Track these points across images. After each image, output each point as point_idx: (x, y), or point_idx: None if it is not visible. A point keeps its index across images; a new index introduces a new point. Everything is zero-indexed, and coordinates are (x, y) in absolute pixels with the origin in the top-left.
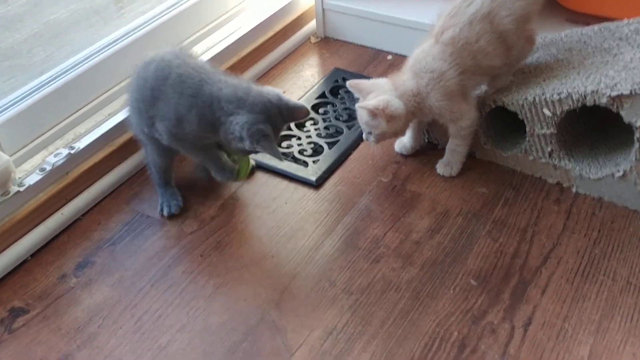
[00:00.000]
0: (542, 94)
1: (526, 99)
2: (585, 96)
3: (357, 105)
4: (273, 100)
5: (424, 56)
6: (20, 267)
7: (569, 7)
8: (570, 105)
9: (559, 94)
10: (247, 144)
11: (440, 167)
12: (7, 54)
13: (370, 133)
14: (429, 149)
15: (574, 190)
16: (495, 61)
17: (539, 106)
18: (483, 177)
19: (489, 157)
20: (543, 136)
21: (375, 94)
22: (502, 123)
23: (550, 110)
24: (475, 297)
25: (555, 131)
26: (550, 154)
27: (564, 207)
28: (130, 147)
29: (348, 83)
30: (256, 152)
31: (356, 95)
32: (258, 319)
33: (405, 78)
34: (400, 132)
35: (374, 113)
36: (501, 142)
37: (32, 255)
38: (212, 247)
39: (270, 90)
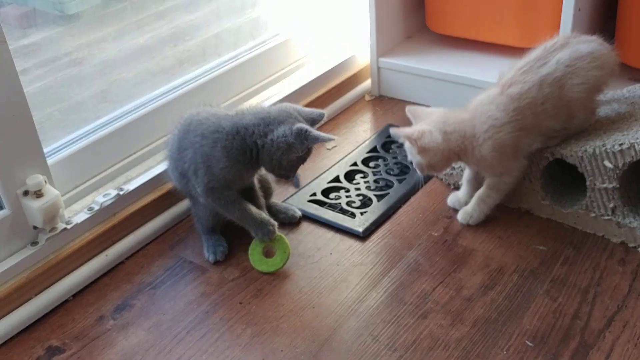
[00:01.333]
0: (603, 145)
1: (585, 150)
2: None
3: (391, 130)
4: (289, 108)
5: (488, 102)
6: (61, 307)
7: (438, 32)
8: (633, 157)
9: (620, 145)
10: (298, 147)
11: (461, 214)
12: (75, 109)
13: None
14: None
15: None
16: (555, 125)
17: (599, 158)
18: (541, 235)
19: (548, 215)
20: (605, 191)
21: (423, 123)
22: (561, 178)
23: (611, 163)
24: (531, 359)
25: (618, 185)
26: (613, 211)
27: (629, 267)
28: (177, 194)
29: (407, 108)
30: (307, 155)
31: (412, 121)
32: None
33: (463, 116)
34: (439, 168)
35: (412, 141)
36: (560, 199)
37: (73, 296)
38: (252, 295)
39: (283, 104)
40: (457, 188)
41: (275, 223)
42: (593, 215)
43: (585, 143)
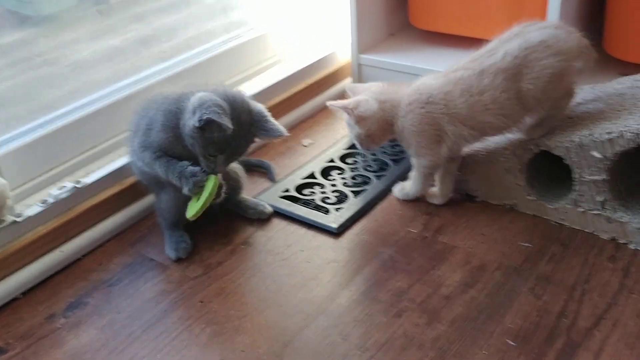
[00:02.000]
0: (590, 134)
1: (572, 140)
2: (639, 134)
3: (327, 102)
4: (243, 99)
5: (428, 80)
6: (8, 305)
7: (421, 28)
8: (622, 146)
9: (608, 133)
10: (197, 116)
11: (396, 188)
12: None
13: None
14: (466, 200)
15: (632, 246)
16: (494, 121)
17: (586, 148)
18: (526, 231)
19: (533, 211)
20: (594, 183)
21: (361, 95)
22: (547, 172)
23: (600, 153)
24: (512, 359)
25: (608, 177)
26: (602, 205)
27: (620, 264)
28: (140, 188)
29: (346, 85)
30: (210, 135)
31: (351, 96)
32: None
33: (401, 88)
34: (377, 139)
35: (348, 111)
36: (547, 194)
37: (23, 293)
38: (214, 294)
39: (234, 90)
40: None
41: (205, 175)
42: (581, 210)
43: (572, 133)
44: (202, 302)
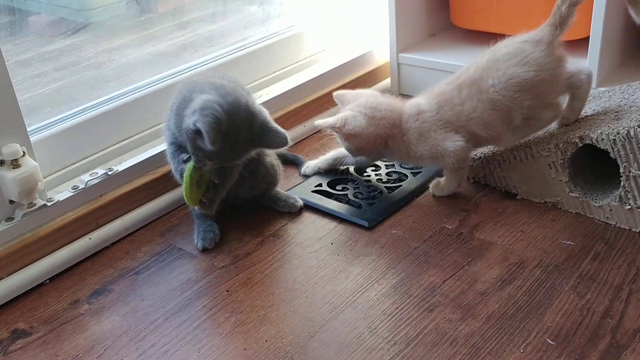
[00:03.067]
0: (639, 126)
1: (618, 132)
2: None
3: (316, 123)
4: (248, 110)
5: (415, 98)
6: (35, 290)
7: (463, 27)
8: None
9: None
10: (193, 119)
11: (433, 184)
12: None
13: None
14: (505, 198)
15: None
16: (481, 131)
17: (634, 140)
18: (569, 229)
19: (577, 209)
20: None
21: (348, 107)
22: (592, 168)
23: None
24: (552, 359)
25: None
26: None
27: None
28: (172, 178)
29: (334, 94)
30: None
31: (340, 106)
32: None
33: (395, 103)
34: (368, 151)
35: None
36: (591, 191)
37: (50, 279)
38: (241, 283)
39: (259, 105)
40: (476, 181)
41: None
42: (628, 207)
43: (618, 124)
44: (228, 291)
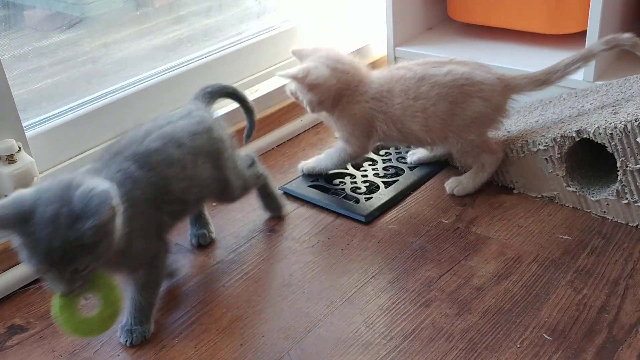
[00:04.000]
0: (636, 120)
1: (615, 127)
2: None
3: (277, 74)
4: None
5: (377, 73)
6: (31, 285)
7: (460, 20)
8: None
9: None
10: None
11: (452, 185)
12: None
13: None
14: (502, 192)
15: None
16: (418, 132)
17: (631, 134)
18: (565, 224)
19: (574, 203)
20: (639, 173)
21: (309, 60)
22: (589, 163)
23: None
24: (548, 354)
25: None
26: None
27: None
28: None
29: (292, 50)
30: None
31: (299, 61)
32: (274, 359)
33: (362, 68)
34: (328, 104)
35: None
36: (588, 185)
37: None
38: (237, 279)
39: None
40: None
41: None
42: (625, 202)
43: (615, 119)
44: (224, 286)
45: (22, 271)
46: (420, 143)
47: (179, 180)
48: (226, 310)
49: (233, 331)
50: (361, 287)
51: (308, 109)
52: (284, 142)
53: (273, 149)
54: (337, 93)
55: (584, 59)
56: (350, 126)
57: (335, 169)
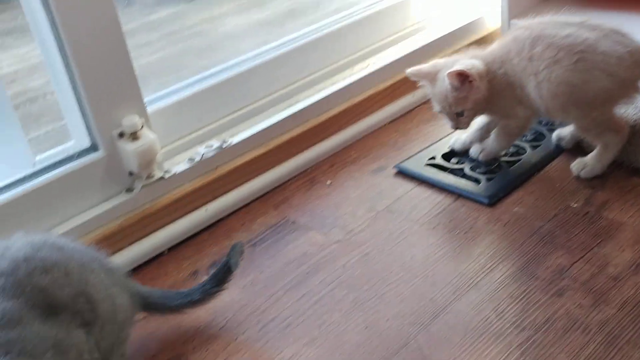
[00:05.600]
0: None
1: None
2: None
3: (440, 74)
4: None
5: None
6: (154, 259)
7: None
8: None
9: None
10: None
11: (577, 166)
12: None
13: (459, 114)
14: (634, 175)
15: None
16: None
17: None
18: None
19: None
20: None
21: (444, 70)
22: None
23: None
24: None
25: None
26: None
27: None
28: (287, 150)
29: (407, 71)
30: None
31: (420, 82)
32: (401, 344)
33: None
34: (481, 108)
35: (462, 79)
36: None
37: (169, 249)
38: (357, 260)
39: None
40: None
41: None
42: None
43: None
44: (344, 266)
45: (145, 246)
46: (541, 113)
47: None
48: (348, 291)
49: (356, 313)
50: (488, 272)
51: (465, 118)
52: (397, 117)
53: (385, 125)
54: (503, 82)
55: None
56: (497, 100)
57: (509, 147)
